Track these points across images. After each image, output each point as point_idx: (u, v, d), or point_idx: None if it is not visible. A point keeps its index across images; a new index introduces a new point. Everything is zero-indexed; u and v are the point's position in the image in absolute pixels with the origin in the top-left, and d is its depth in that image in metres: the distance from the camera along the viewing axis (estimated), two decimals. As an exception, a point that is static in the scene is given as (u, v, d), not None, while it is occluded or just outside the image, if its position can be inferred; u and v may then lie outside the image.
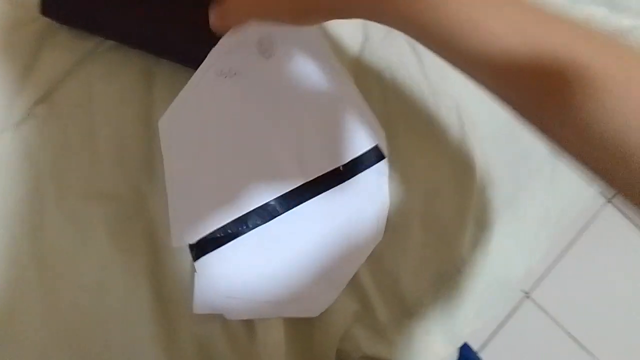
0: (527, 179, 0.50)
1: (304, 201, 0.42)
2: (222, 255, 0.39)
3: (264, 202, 0.41)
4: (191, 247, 0.39)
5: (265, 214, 0.41)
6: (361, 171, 0.44)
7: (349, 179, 0.43)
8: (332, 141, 0.43)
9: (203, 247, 0.39)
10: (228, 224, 0.39)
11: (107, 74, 0.41)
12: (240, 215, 0.40)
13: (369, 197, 0.44)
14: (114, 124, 0.41)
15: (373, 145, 0.44)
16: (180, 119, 0.37)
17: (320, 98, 0.42)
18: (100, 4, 0.39)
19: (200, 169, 0.39)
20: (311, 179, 0.42)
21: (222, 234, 0.39)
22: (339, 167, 0.43)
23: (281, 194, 0.41)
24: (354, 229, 0.43)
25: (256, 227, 0.40)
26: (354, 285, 0.44)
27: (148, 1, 0.39)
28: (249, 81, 0.39)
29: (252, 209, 0.40)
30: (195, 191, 0.38)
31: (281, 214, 0.41)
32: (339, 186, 0.43)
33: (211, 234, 0.39)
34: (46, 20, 0.39)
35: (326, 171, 0.43)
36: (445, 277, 0.47)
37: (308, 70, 0.41)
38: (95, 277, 0.39)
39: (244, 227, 0.40)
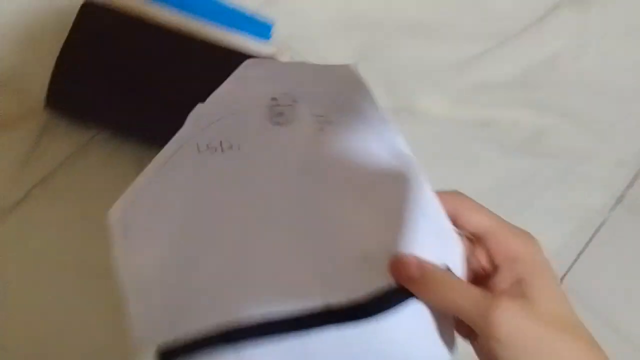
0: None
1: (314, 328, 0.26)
2: None
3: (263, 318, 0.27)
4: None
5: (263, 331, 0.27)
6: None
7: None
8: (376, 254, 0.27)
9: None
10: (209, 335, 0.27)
11: (102, 163, 0.44)
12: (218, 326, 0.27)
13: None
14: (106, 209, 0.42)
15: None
16: (141, 209, 0.28)
17: (367, 193, 0.27)
18: (101, 97, 0.40)
19: (172, 271, 0.29)
20: (335, 303, 0.26)
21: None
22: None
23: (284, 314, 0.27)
24: None
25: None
26: None
27: (143, 93, 0.40)
28: (250, 159, 0.28)
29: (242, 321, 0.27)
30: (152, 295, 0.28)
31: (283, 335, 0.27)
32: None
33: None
34: (50, 110, 0.42)
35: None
36: None
37: (353, 148, 0.27)
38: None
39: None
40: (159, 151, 0.38)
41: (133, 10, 0.39)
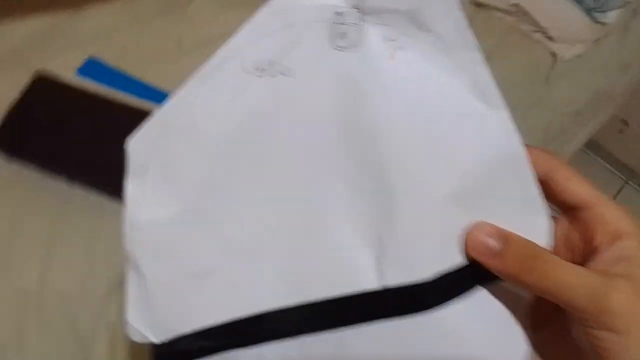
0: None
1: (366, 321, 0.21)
2: None
3: (296, 304, 0.22)
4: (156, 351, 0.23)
5: (291, 325, 0.22)
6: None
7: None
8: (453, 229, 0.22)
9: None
10: (226, 325, 0.22)
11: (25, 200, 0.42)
12: (248, 316, 0.22)
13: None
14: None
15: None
16: (166, 138, 0.23)
17: (441, 144, 0.22)
18: (41, 142, 0.44)
19: (193, 227, 0.23)
20: (394, 286, 0.22)
21: (209, 341, 0.22)
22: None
23: (328, 298, 0.22)
24: None
25: (269, 341, 0.22)
26: None
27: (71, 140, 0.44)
28: (307, 91, 0.22)
29: (269, 309, 0.22)
30: (176, 260, 0.23)
31: (317, 331, 0.22)
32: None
33: (193, 337, 0.22)
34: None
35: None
36: None
37: (429, 84, 0.22)
38: None
39: (250, 338, 0.22)
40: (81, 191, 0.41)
41: (73, 84, 0.47)
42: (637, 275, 0.21)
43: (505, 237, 0.22)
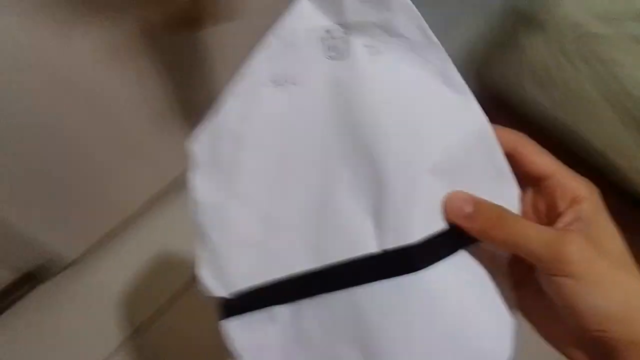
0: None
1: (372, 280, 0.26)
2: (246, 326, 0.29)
3: (321, 268, 0.27)
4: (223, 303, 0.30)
5: (317, 285, 0.27)
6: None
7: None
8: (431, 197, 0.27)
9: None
10: (273, 285, 0.28)
11: None
12: (289, 276, 0.28)
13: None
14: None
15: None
16: (217, 140, 0.29)
17: (426, 129, 0.27)
18: None
19: (239, 207, 0.29)
20: (390, 250, 0.26)
21: (262, 297, 0.28)
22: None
23: (341, 261, 0.27)
24: None
25: (303, 298, 0.28)
26: None
27: None
28: (311, 95, 0.27)
29: (303, 271, 0.28)
30: (232, 231, 0.29)
31: (333, 290, 0.27)
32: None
33: (251, 293, 0.29)
34: None
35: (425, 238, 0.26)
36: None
37: (405, 80, 0.27)
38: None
39: (291, 295, 0.28)
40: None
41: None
42: (590, 231, 0.24)
43: (476, 202, 0.26)
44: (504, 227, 0.25)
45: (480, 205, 0.26)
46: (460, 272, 0.26)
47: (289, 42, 0.27)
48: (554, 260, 0.23)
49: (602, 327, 0.23)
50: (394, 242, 0.26)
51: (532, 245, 0.24)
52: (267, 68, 0.28)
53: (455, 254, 0.26)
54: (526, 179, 0.28)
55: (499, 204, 0.26)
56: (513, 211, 0.26)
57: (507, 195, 0.27)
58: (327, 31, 0.27)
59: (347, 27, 0.26)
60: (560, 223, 0.25)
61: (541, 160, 0.27)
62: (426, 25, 0.25)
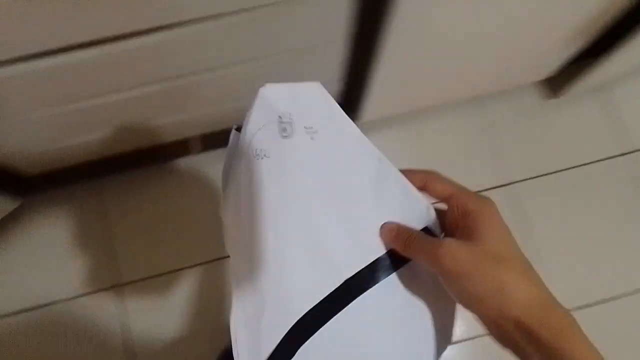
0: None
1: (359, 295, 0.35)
2: None
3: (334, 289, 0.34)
4: None
5: (335, 306, 0.34)
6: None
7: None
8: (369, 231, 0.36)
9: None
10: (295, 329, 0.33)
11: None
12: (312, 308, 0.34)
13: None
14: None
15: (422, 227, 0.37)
16: (230, 207, 0.35)
17: (356, 183, 0.36)
18: None
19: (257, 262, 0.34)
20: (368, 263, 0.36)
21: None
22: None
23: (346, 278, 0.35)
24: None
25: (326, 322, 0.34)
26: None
27: None
28: (277, 167, 0.35)
29: (320, 298, 0.34)
30: (255, 291, 0.34)
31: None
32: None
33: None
34: None
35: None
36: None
37: (336, 152, 0.36)
38: None
39: (315, 326, 0.34)
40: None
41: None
42: (471, 236, 0.31)
43: (397, 228, 0.35)
44: (412, 244, 0.34)
45: (399, 230, 0.35)
46: (410, 281, 0.36)
47: (260, 124, 0.35)
48: (432, 262, 0.31)
49: (470, 308, 0.31)
50: (363, 261, 0.35)
51: (426, 254, 0.32)
52: (250, 142, 0.34)
53: (401, 264, 0.36)
54: (441, 200, 0.35)
55: (418, 225, 0.36)
56: (436, 230, 0.36)
57: (423, 217, 0.36)
58: (280, 116, 0.35)
59: (292, 113, 0.35)
60: (457, 232, 0.33)
61: (441, 186, 0.35)
62: (340, 109, 0.36)
